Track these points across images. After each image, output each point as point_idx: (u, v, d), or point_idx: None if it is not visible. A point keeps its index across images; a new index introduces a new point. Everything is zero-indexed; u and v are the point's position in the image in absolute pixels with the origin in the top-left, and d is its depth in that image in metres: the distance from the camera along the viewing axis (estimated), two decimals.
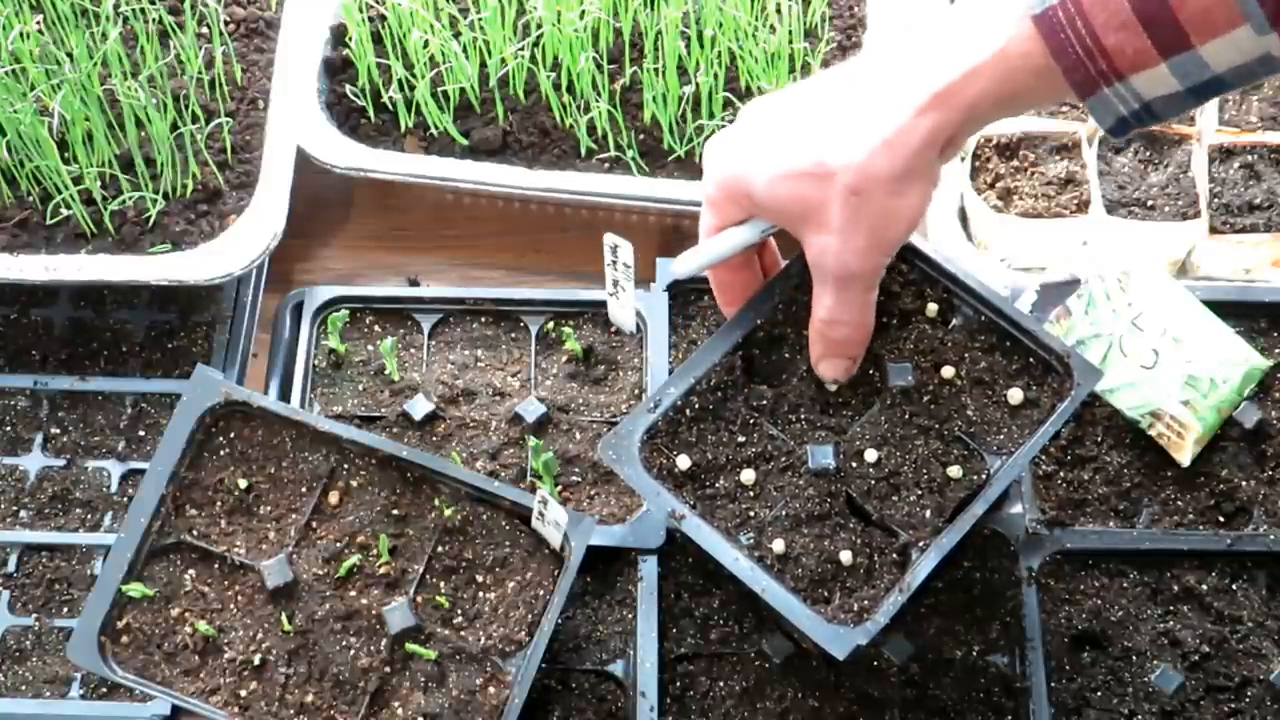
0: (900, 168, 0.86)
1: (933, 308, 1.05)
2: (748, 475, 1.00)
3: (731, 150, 0.93)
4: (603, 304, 1.23)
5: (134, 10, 1.36)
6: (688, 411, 1.02)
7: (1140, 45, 0.79)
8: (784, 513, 0.99)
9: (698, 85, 1.31)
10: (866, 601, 0.95)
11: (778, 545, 0.97)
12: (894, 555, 0.98)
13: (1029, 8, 0.81)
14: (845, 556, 0.97)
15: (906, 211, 0.89)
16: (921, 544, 0.97)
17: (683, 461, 1.00)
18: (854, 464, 1.00)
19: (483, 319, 1.26)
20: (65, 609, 1.14)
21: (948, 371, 1.03)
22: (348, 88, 1.36)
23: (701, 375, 1.02)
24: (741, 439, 1.02)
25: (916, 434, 1.01)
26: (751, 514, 0.99)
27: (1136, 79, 0.81)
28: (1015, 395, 1.02)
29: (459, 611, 1.04)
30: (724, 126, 1.30)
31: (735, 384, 1.03)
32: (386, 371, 1.21)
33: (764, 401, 1.03)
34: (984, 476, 1.00)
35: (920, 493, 0.99)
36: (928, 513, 0.99)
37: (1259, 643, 1.11)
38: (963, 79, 0.84)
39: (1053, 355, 1.02)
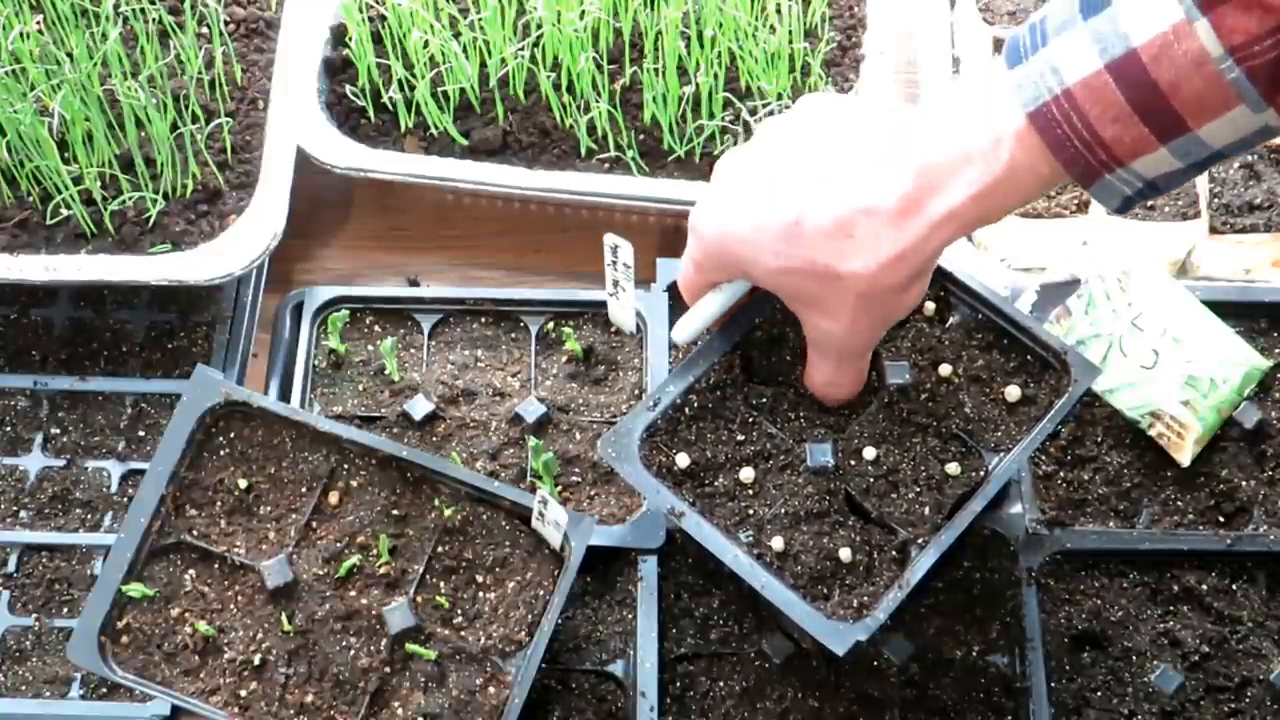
0: (910, 277, 0.88)
1: (930, 306, 1.05)
2: (747, 473, 1.00)
3: (722, 221, 0.91)
4: (603, 304, 1.23)
5: (134, 10, 1.36)
6: (687, 410, 1.02)
7: (1138, 134, 0.80)
8: (783, 510, 0.99)
9: (698, 85, 1.31)
10: (866, 598, 0.96)
11: (777, 543, 0.98)
12: (893, 552, 0.98)
13: (1024, 104, 0.81)
14: (844, 554, 0.98)
15: (910, 302, 0.92)
16: (920, 541, 0.97)
17: (682, 459, 1.01)
18: (853, 462, 1.00)
19: (483, 319, 1.26)
20: (65, 609, 1.14)
21: (945, 369, 1.03)
22: (348, 88, 1.36)
23: (701, 374, 1.02)
24: (741, 437, 1.02)
25: (914, 432, 1.01)
26: (751, 512, 0.99)
27: (1137, 164, 0.81)
28: (1013, 393, 1.02)
29: (459, 611, 1.04)
30: (724, 127, 1.31)
31: (734, 383, 1.03)
32: (386, 371, 1.21)
33: (763, 400, 1.03)
34: (982, 473, 1.00)
35: (919, 490, 1.00)
36: (926, 510, 0.99)
37: (1259, 643, 1.11)
38: (976, 198, 0.84)
39: (1050, 353, 1.02)
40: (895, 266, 0.86)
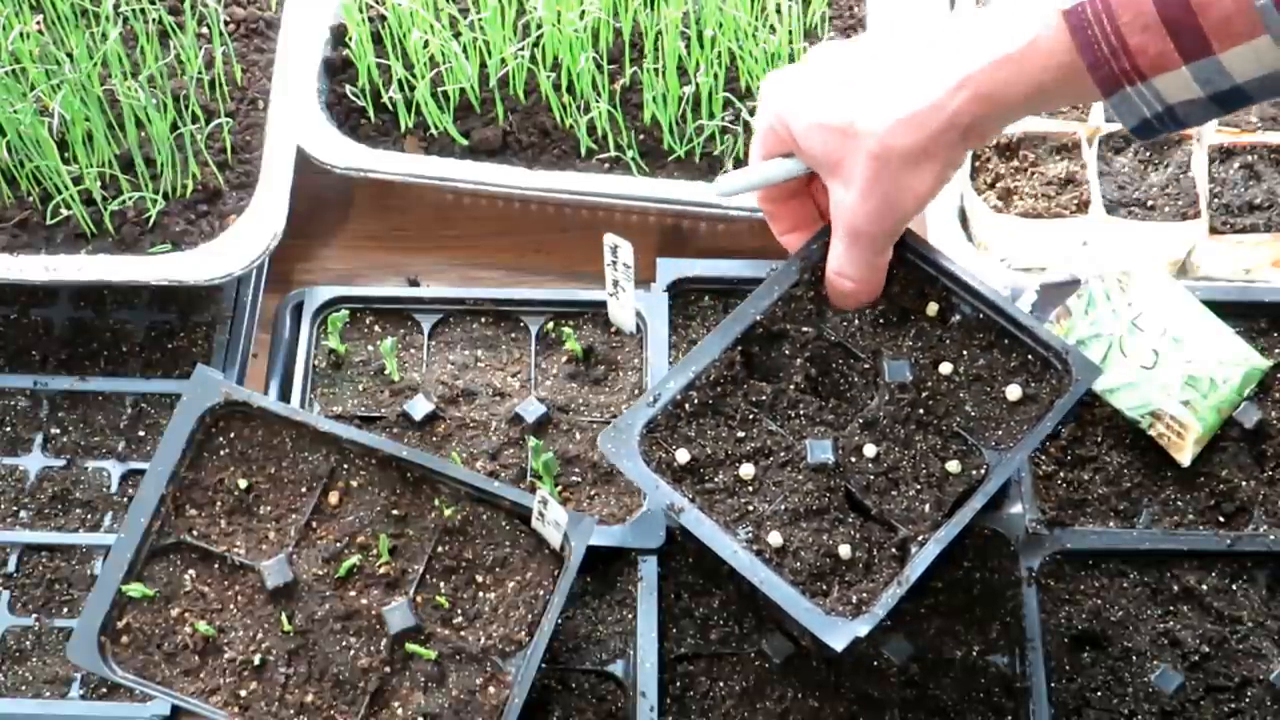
0: (920, 143, 0.90)
1: (932, 306, 1.05)
2: (747, 470, 1.01)
3: (787, 88, 0.96)
4: (603, 304, 1.23)
5: (134, 10, 1.36)
6: (687, 406, 1.02)
7: (1163, 47, 0.80)
8: (783, 507, 0.99)
9: (698, 85, 1.31)
10: (865, 595, 0.96)
11: (776, 539, 0.98)
12: (893, 550, 0.98)
13: (1059, 3, 0.83)
14: (844, 551, 0.98)
15: (919, 186, 0.92)
16: (920, 538, 0.97)
17: (682, 455, 1.01)
18: (853, 459, 1.00)
19: (483, 319, 1.26)
20: (65, 609, 1.14)
21: (946, 368, 1.03)
22: (348, 88, 1.36)
23: (701, 370, 1.02)
24: (741, 434, 1.02)
25: (915, 429, 1.01)
26: (750, 508, 0.99)
27: (1158, 81, 0.82)
28: (1014, 392, 1.02)
29: (459, 611, 1.04)
30: (724, 127, 1.31)
31: (734, 379, 1.03)
32: (386, 371, 1.21)
33: (763, 397, 1.03)
34: (982, 471, 1.00)
35: (919, 487, 1.00)
36: (926, 507, 0.99)
37: (1259, 643, 1.11)
38: (991, 66, 0.86)
39: (1051, 352, 1.02)
40: (907, 127, 0.89)
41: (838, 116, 0.92)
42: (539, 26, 1.35)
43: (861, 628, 0.94)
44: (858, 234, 0.97)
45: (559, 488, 1.15)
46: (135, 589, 1.02)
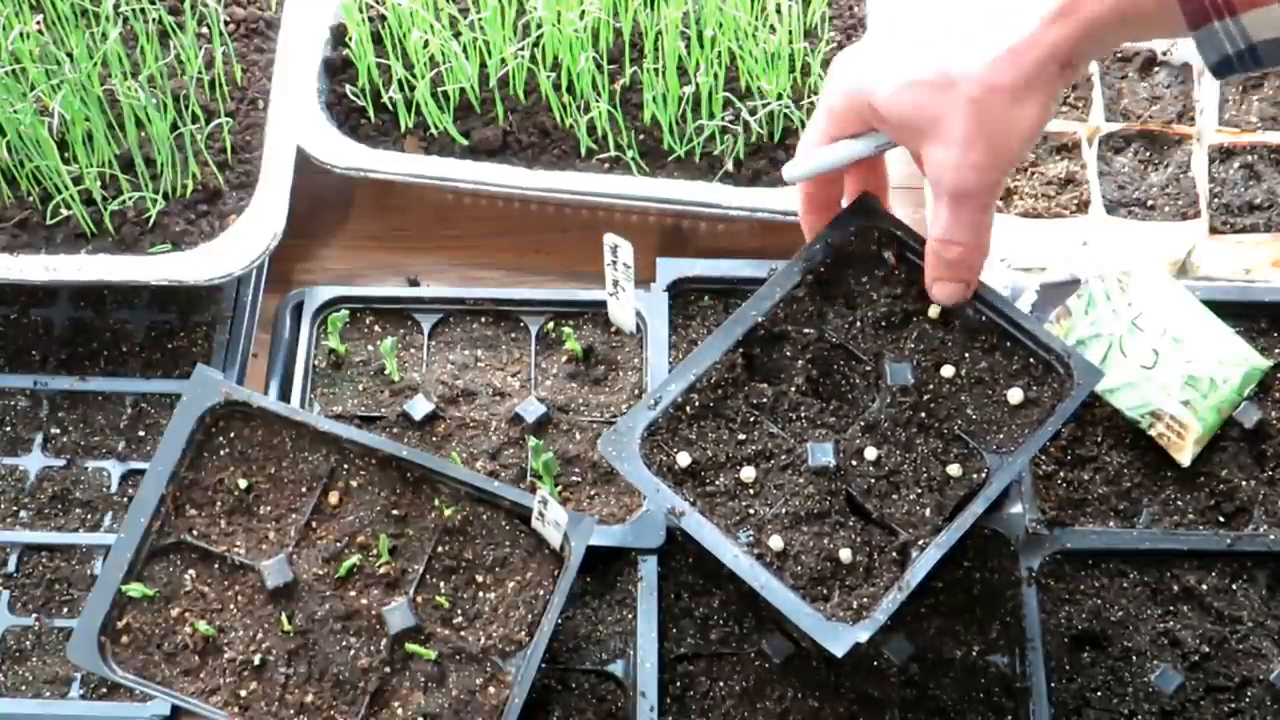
0: (1022, 77, 0.87)
1: (934, 308, 1.05)
2: (748, 473, 1.00)
3: (859, 62, 0.94)
4: (603, 304, 1.23)
5: (134, 10, 1.36)
6: (688, 409, 1.02)
7: None
8: (784, 510, 0.99)
9: (698, 85, 1.31)
10: (866, 599, 0.96)
11: (777, 543, 0.98)
12: (893, 554, 0.98)
13: None
14: (845, 555, 0.97)
15: (1025, 123, 0.90)
16: (921, 542, 0.97)
17: (683, 458, 1.00)
18: (854, 462, 1.00)
19: (483, 319, 1.26)
20: (65, 609, 1.14)
21: (948, 371, 1.03)
22: (348, 88, 1.36)
23: (702, 373, 1.02)
24: (741, 436, 1.02)
25: (916, 433, 1.01)
26: (751, 511, 0.99)
27: (1247, 17, 0.81)
28: (1015, 395, 1.02)
29: (459, 611, 1.04)
30: (724, 127, 1.31)
31: (735, 382, 1.03)
32: (386, 371, 1.21)
33: (764, 399, 1.03)
34: (983, 475, 1.00)
35: (920, 491, 1.00)
36: (927, 511, 0.99)
37: (1259, 643, 1.11)
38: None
39: (1053, 355, 1.02)
40: (1006, 63, 0.87)
41: (927, 70, 0.89)
42: (539, 26, 1.34)
43: (862, 633, 0.93)
44: (964, 193, 0.93)
45: (559, 488, 1.15)
46: (135, 589, 1.02)
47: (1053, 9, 0.86)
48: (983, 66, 0.87)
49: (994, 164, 0.91)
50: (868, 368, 1.04)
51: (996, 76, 0.87)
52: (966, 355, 1.04)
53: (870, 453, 1.01)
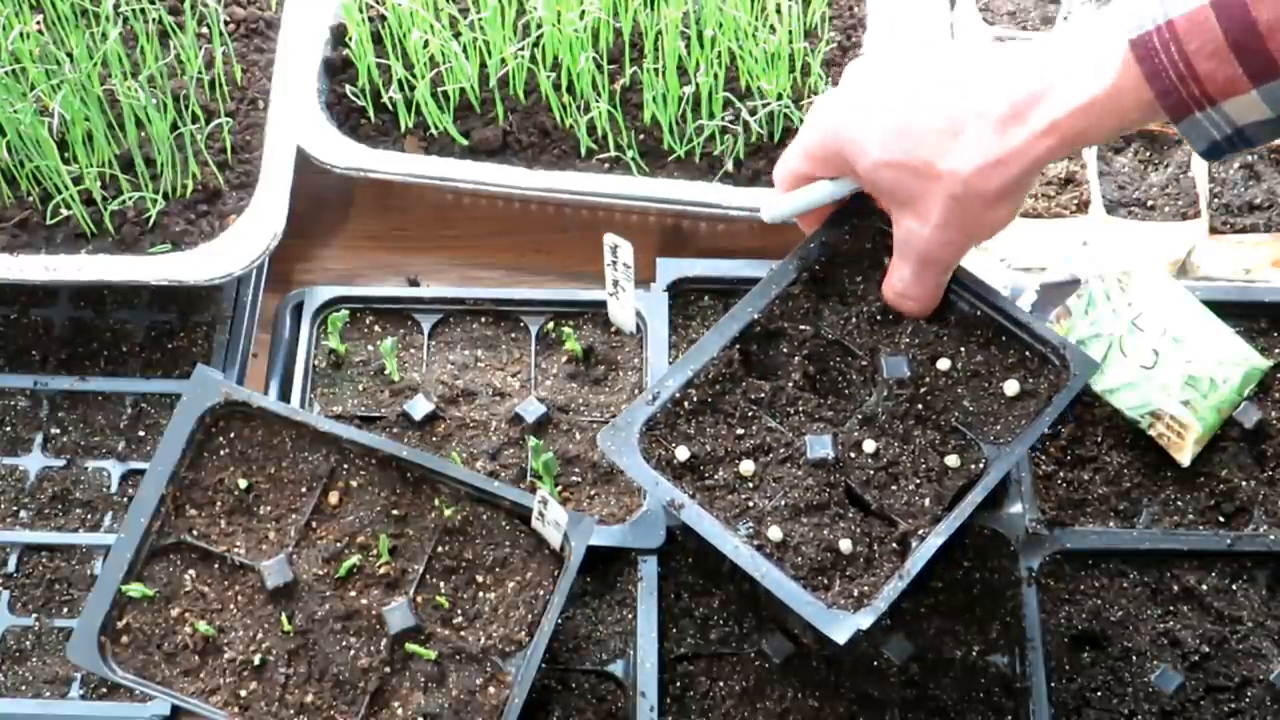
0: (1004, 187, 0.90)
1: None
2: (747, 466, 1.01)
3: (841, 116, 0.95)
4: (603, 304, 1.23)
5: (134, 10, 1.36)
6: (686, 404, 1.02)
7: (1232, 72, 0.81)
8: (783, 503, 0.99)
9: (698, 85, 1.31)
10: (866, 589, 0.96)
11: (777, 534, 0.98)
12: (893, 544, 0.98)
13: (1127, 30, 0.83)
14: (845, 545, 0.98)
15: (999, 222, 0.94)
16: (921, 532, 0.98)
17: (681, 453, 1.01)
18: (852, 454, 1.01)
19: (483, 319, 1.26)
20: (65, 609, 1.14)
21: (944, 364, 1.03)
22: (348, 88, 1.36)
23: (699, 368, 1.02)
24: (740, 431, 1.02)
25: (914, 425, 1.02)
26: (751, 504, 0.99)
27: (1228, 105, 0.83)
28: (1011, 387, 1.02)
29: (459, 611, 1.04)
30: (724, 127, 1.31)
31: (733, 377, 1.03)
32: (386, 371, 1.21)
33: (762, 395, 1.03)
34: (981, 465, 1.00)
35: (919, 482, 1.00)
36: (926, 501, 0.99)
37: (1259, 643, 1.11)
38: (1078, 113, 0.86)
39: (1048, 348, 1.03)
40: (992, 171, 0.89)
41: (914, 155, 0.91)
42: (539, 26, 1.34)
43: (864, 620, 0.94)
44: (928, 260, 0.98)
45: (559, 488, 1.15)
46: (135, 589, 1.02)
47: (1042, 126, 0.87)
48: (968, 170, 0.90)
49: (964, 245, 0.97)
50: (864, 363, 1.05)
51: (980, 183, 0.90)
52: (962, 349, 1.04)
53: (868, 445, 1.01)
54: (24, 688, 1.11)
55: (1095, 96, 0.86)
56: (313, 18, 1.39)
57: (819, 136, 0.97)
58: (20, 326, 1.28)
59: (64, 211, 1.26)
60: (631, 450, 1.00)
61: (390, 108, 1.35)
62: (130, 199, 1.27)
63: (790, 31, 1.33)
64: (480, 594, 1.05)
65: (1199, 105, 0.83)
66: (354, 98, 1.36)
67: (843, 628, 0.94)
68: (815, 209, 1.03)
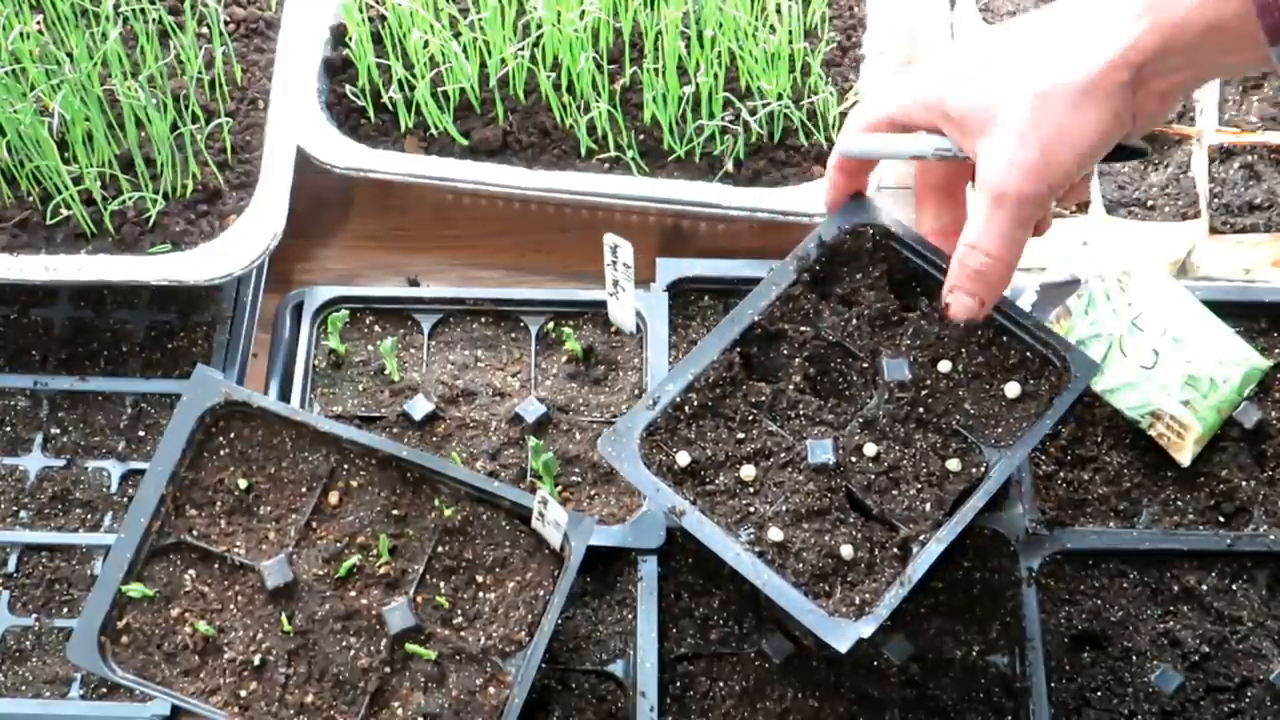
0: (1087, 78, 0.85)
1: (929, 303, 1.06)
2: (747, 471, 1.01)
3: (934, 66, 0.94)
4: (603, 304, 1.23)
5: (134, 10, 1.36)
6: (686, 408, 1.02)
7: None
8: (784, 508, 0.99)
9: (698, 85, 1.31)
10: (868, 595, 0.96)
11: (778, 540, 0.98)
12: (895, 549, 0.98)
13: None
14: (846, 551, 0.98)
15: (1082, 131, 0.87)
16: (922, 537, 0.97)
17: (682, 458, 1.01)
18: (853, 459, 1.00)
19: (483, 319, 1.26)
20: (65, 609, 1.14)
21: (945, 366, 1.03)
22: (348, 88, 1.36)
23: (700, 372, 1.02)
24: (741, 435, 1.02)
25: (915, 428, 1.01)
26: (751, 509, 0.99)
27: None
28: (1012, 389, 1.02)
29: (459, 611, 1.04)
30: (724, 127, 1.31)
31: (733, 380, 1.03)
32: (386, 371, 1.21)
33: (762, 398, 1.03)
34: (983, 469, 1.00)
35: (920, 486, 1.00)
36: (928, 506, 0.99)
37: (1259, 643, 1.11)
38: (1179, 10, 0.83)
39: (1049, 349, 1.03)
40: (1074, 60, 0.85)
41: (1000, 62, 0.88)
42: (539, 26, 1.34)
43: (865, 628, 0.93)
44: (1004, 193, 0.89)
45: (559, 488, 1.15)
46: (135, 589, 1.02)
47: (1138, 8, 0.84)
48: (1053, 61, 0.86)
49: (1041, 169, 0.88)
50: (865, 364, 1.04)
51: (1063, 73, 0.86)
52: (963, 350, 1.04)
53: (869, 449, 1.01)
54: (24, 688, 1.11)
55: (1191, 10, 0.82)
56: (313, 18, 1.39)
57: (912, 83, 0.94)
58: (20, 326, 1.28)
59: (64, 211, 1.26)
60: (632, 456, 1.00)
61: (390, 108, 1.35)
62: (130, 199, 1.27)
63: (790, 31, 1.33)
64: (480, 594, 1.05)
65: None
66: (354, 98, 1.36)
67: (844, 636, 0.93)
68: (890, 157, 0.99)
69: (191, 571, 1.05)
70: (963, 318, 0.96)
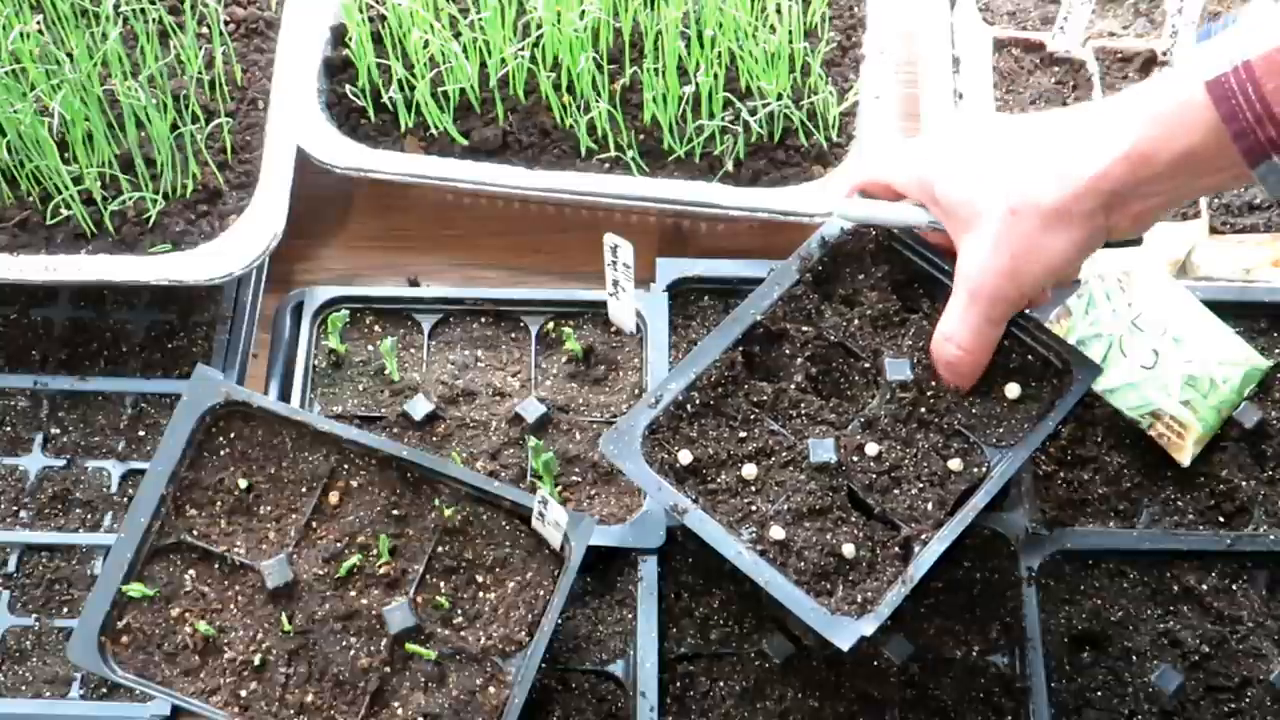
0: (1060, 203, 0.90)
1: (931, 304, 1.06)
2: (749, 470, 1.01)
3: (934, 148, 0.98)
4: (603, 304, 1.23)
5: (134, 10, 1.36)
6: (689, 407, 1.02)
7: None
8: (786, 507, 0.99)
9: (698, 85, 1.31)
10: (869, 594, 0.96)
11: (780, 539, 0.98)
12: (896, 548, 0.98)
13: (1204, 74, 0.83)
14: (848, 550, 0.98)
15: (1050, 252, 0.92)
16: (924, 537, 0.98)
17: (684, 456, 1.01)
18: (855, 458, 1.01)
19: (483, 319, 1.26)
20: (65, 609, 1.14)
21: None
22: (348, 88, 1.36)
23: (702, 371, 1.02)
24: (743, 434, 1.02)
25: (916, 428, 1.02)
26: (753, 508, 0.99)
27: None
28: (1013, 390, 1.02)
29: (459, 611, 1.04)
30: (724, 127, 1.31)
31: (735, 379, 1.03)
32: (386, 371, 1.21)
33: (764, 397, 1.03)
34: (984, 469, 1.00)
35: (921, 486, 1.00)
36: (929, 505, 0.99)
37: (1259, 643, 1.11)
38: (1140, 126, 0.87)
39: (1051, 351, 1.03)
40: (1048, 184, 0.90)
41: (987, 172, 0.93)
42: (539, 26, 1.34)
43: (867, 627, 0.94)
44: (977, 293, 0.95)
45: (559, 488, 1.15)
46: (135, 589, 1.02)
47: (1108, 142, 0.88)
48: (1030, 181, 0.90)
49: (1012, 275, 0.94)
50: (866, 364, 1.04)
51: (1035, 194, 0.90)
52: None
53: (871, 448, 1.01)
54: (24, 688, 1.11)
55: (1160, 112, 0.85)
56: (313, 18, 1.39)
57: (910, 164, 0.99)
58: (20, 326, 1.28)
59: (64, 211, 1.26)
60: (634, 455, 1.00)
61: (390, 108, 1.35)
62: (130, 199, 1.27)
63: (790, 31, 1.33)
64: (480, 594, 1.05)
65: (1276, 148, 0.82)
66: (354, 98, 1.36)
67: (846, 634, 0.94)
68: (889, 226, 1.05)
69: (191, 571, 1.05)
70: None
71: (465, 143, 1.34)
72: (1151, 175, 0.88)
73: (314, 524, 1.06)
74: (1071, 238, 0.91)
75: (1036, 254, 0.92)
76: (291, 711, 1.00)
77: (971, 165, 0.94)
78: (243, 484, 1.07)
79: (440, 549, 1.05)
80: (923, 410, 1.02)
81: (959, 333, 0.98)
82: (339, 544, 1.05)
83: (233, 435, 1.08)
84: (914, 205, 1.01)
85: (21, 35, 1.30)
